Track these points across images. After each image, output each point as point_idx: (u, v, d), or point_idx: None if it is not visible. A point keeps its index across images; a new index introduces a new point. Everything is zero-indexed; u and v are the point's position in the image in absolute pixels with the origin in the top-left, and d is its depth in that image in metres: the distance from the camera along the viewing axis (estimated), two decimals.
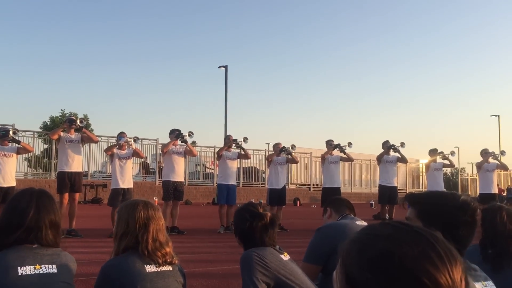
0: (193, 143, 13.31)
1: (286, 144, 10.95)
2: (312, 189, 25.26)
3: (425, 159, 15.97)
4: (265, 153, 23.83)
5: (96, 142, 11.89)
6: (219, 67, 30.92)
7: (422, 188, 29.07)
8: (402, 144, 11.73)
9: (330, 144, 11.25)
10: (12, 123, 15.26)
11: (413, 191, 26.00)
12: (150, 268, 2.27)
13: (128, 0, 65.77)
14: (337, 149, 11.29)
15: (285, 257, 2.62)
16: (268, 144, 29.82)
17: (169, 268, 2.35)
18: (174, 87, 71.84)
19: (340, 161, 11.47)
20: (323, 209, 3.51)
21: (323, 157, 11.29)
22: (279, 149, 10.75)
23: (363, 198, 25.02)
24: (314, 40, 73.30)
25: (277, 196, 10.47)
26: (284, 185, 10.77)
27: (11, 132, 8.24)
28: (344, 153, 11.34)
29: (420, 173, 31.08)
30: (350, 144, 11.42)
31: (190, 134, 9.89)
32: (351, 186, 26.53)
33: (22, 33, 61.55)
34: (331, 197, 3.40)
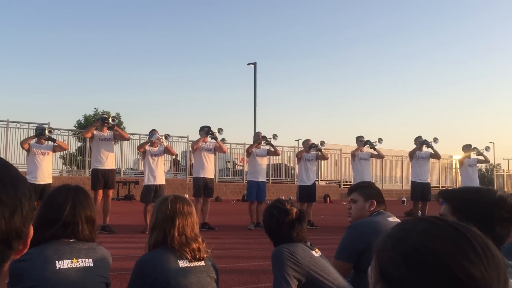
0: (223, 140, 13.39)
1: (315, 140, 10.91)
2: (342, 186, 25.05)
3: (458, 155, 15.59)
4: (294, 149, 23.76)
5: (128, 139, 12.10)
6: (248, 64, 31.04)
7: (456, 184, 28.43)
8: (435, 140, 11.48)
9: (360, 141, 11.14)
10: (47, 122, 15.71)
11: (446, 188, 25.44)
12: (183, 263, 2.31)
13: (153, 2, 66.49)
14: (367, 145, 11.18)
15: (316, 253, 2.62)
16: (298, 140, 29.74)
17: (202, 263, 2.38)
18: (204, 84, 72.40)
19: (371, 158, 11.35)
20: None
21: (353, 154, 11.19)
22: (308, 145, 10.71)
23: (395, 195, 24.66)
24: (343, 35, 72.54)
25: (307, 193, 10.44)
26: (314, 182, 10.73)
27: (47, 131, 8.48)
28: (375, 149, 11.21)
29: (454, 170, 30.39)
30: (380, 140, 11.28)
31: (220, 131, 9.95)
32: (382, 183, 26.16)
33: (58, 37, 63.15)
34: (373, 189, 3.29)
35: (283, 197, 3.19)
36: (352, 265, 2.97)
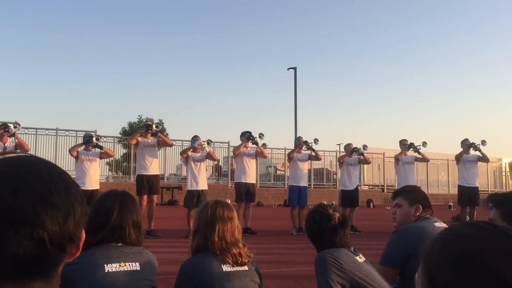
0: (264, 145, 13.44)
1: (357, 144, 10.76)
2: (385, 191, 24.56)
3: (508, 158, 15.00)
4: (336, 154, 23.52)
5: (171, 145, 12.33)
6: (288, 69, 31.04)
7: (505, 188, 27.31)
8: (483, 142, 11.09)
9: (403, 144, 10.91)
10: (94, 129, 16.24)
11: (495, 192, 24.53)
12: (226, 268, 2.33)
13: (192, 6, 67.60)
14: (411, 149, 10.93)
15: (361, 258, 2.58)
16: (339, 145, 29.39)
17: (245, 268, 2.40)
18: (245, 90, 72.84)
19: (415, 161, 11.09)
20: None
21: (396, 158, 10.97)
22: (350, 149, 10.58)
23: (441, 200, 23.95)
24: (384, 38, 71.35)
25: (350, 197, 10.31)
26: (357, 186, 10.59)
27: (94, 139, 8.78)
28: (419, 153, 10.95)
29: (503, 173, 29.22)
30: (424, 144, 11.00)
31: (261, 136, 9.99)
32: (428, 187, 25.46)
33: (103, 45, 65.25)
34: (419, 194, 3.21)
35: (325, 202, 3.17)
36: (398, 271, 2.91)
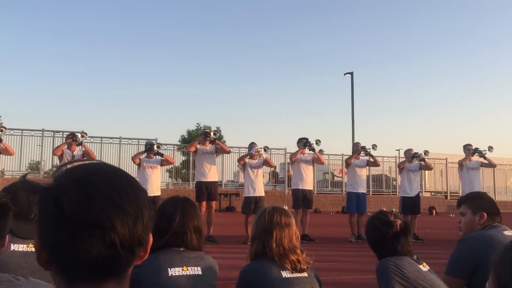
0: (321, 151, 13.32)
1: (418, 150, 10.43)
2: (449, 197, 23.59)
3: None
4: (395, 159, 22.90)
5: (229, 152, 12.47)
6: (345, 74, 30.67)
7: None
8: None
9: (468, 149, 10.45)
10: (155, 137, 16.77)
11: None
12: (286, 274, 2.33)
13: (248, 11, 68.32)
14: (476, 154, 10.45)
15: (424, 267, 2.50)
16: (399, 150, 28.64)
17: (305, 274, 2.39)
18: (301, 96, 72.66)
19: (481, 167, 10.59)
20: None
21: (460, 164, 10.52)
22: (411, 155, 10.28)
23: (509, 207, 22.69)
24: (443, 41, 68.82)
25: (411, 204, 10.00)
26: (418, 193, 10.25)
27: (155, 146, 9.08)
28: (485, 158, 10.46)
29: None
30: (490, 148, 10.49)
31: (318, 142, 9.92)
32: (495, 194, 24.19)
33: (162, 59, 67.37)
34: (484, 200, 3.06)
35: (385, 209, 3.09)
36: (465, 281, 2.78)
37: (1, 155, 8.44)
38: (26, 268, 1.83)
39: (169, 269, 2.18)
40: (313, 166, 10.63)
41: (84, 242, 0.78)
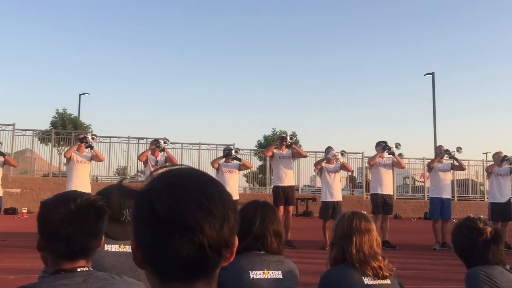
0: (400, 155, 12.87)
1: (508, 153, 9.77)
2: None
3: None
4: (482, 163, 21.61)
5: (305, 157, 12.44)
6: (425, 75, 29.50)
7: None
8: None
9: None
10: (232, 143, 17.13)
11: None
12: (368, 280, 2.28)
13: (325, 16, 67.74)
14: None
15: None
16: (486, 153, 27.00)
17: (387, 282, 2.32)
18: (379, 98, 70.81)
19: None
20: None
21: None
22: (500, 158, 9.65)
23: None
24: None
25: (501, 211, 9.37)
26: (509, 199, 9.59)
27: (233, 151, 9.28)
28: None
29: None
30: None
31: (397, 145, 9.62)
32: None
33: (239, 65, 68.73)
34: None
35: (472, 215, 2.93)
36: None
37: (93, 161, 9.02)
38: (118, 267, 1.94)
39: (250, 272, 2.21)
40: (393, 170, 10.30)
41: (175, 243, 0.82)
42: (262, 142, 36.27)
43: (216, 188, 0.88)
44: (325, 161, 9.38)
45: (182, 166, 0.93)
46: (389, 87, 66.75)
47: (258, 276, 2.22)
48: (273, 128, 37.27)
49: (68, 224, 1.44)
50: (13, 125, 18.63)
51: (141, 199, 0.87)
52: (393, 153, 9.57)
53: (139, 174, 22.55)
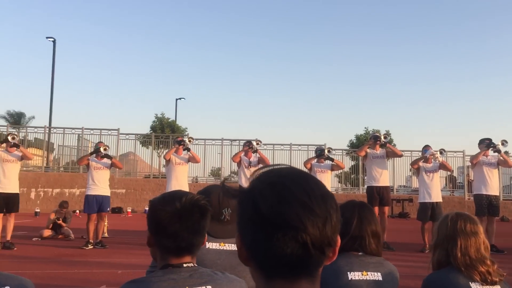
0: (506, 152, 11.93)
1: None
2: None
3: None
4: None
5: (400, 156, 12.01)
6: None
7: None
8: None
9: None
10: (324, 143, 17.01)
11: None
12: (475, 286, 2.15)
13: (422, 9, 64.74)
14: None
15: None
16: None
17: (497, 287, 2.17)
18: (482, 91, 66.24)
19: None
20: None
21: None
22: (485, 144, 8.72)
23: None
24: None
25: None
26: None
27: (326, 151, 9.24)
28: None
29: None
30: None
31: (504, 143, 8.95)
32: None
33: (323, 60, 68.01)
34: None
35: None
36: None
37: (189, 162, 9.42)
38: (219, 265, 2.01)
39: (348, 273, 2.18)
40: (498, 169, 9.58)
41: (279, 241, 0.83)
42: (354, 141, 35.61)
43: (318, 188, 0.89)
44: (422, 160, 8.98)
45: (283, 166, 0.95)
46: (489, 80, 62.18)
47: (357, 278, 2.18)
48: (365, 127, 36.42)
49: (174, 222, 1.53)
50: (118, 130, 20.06)
51: (244, 199, 0.90)
52: (498, 151, 8.91)
53: (233, 175, 23.18)
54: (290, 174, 0.91)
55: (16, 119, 37.99)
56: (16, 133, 9.76)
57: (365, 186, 9.56)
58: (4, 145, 8.65)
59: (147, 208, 17.83)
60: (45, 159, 21.64)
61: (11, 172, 8.38)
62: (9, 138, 8.46)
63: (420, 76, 66.91)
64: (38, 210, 16.52)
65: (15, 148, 8.47)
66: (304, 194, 0.86)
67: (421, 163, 8.95)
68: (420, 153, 9.75)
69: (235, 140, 20.57)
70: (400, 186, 21.66)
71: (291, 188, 0.86)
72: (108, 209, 8.99)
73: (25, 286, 1.59)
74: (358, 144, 30.56)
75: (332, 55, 68.33)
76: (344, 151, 21.29)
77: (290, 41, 68.56)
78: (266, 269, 0.87)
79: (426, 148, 9.07)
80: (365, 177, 9.74)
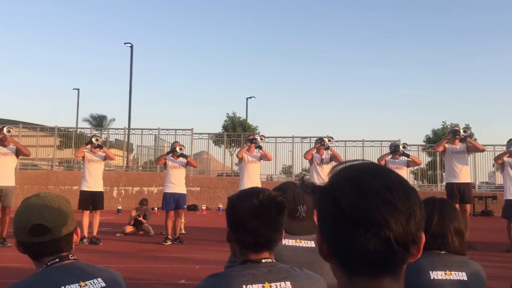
0: None
1: None
2: None
3: None
4: None
5: (482, 151, 11.38)
6: None
7: None
8: None
9: None
10: (398, 138, 16.48)
11: None
12: None
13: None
14: None
15: None
16: None
17: None
18: None
19: None
20: None
21: None
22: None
23: None
24: None
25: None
26: None
27: (401, 146, 8.97)
28: None
29: None
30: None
31: None
32: None
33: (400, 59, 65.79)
34: None
35: None
36: None
37: (261, 160, 9.51)
38: (295, 261, 2.02)
39: (430, 272, 2.10)
40: None
41: (360, 238, 0.82)
42: (431, 136, 34.23)
43: (399, 182, 0.87)
44: (507, 155, 8.45)
45: (364, 161, 0.93)
46: None
47: (440, 277, 2.09)
48: (443, 121, 34.90)
49: (252, 218, 1.55)
50: (192, 129, 20.69)
51: (324, 194, 0.89)
52: None
53: (304, 172, 23.11)
54: (370, 169, 0.89)
55: (98, 121, 40.38)
56: (99, 135, 10.28)
57: (444, 183, 9.14)
58: (88, 146, 9.22)
59: (220, 206, 18.29)
60: (125, 159, 22.82)
61: (96, 171, 8.91)
62: (93, 139, 9.00)
63: (503, 64, 62.94)
64: (120, 208, 17.45)
65: (98, 149, 8.98)
66: (386, 189, 0.84)
67: (506, 158, 8.43)
68: (504, 148, 9.18)
69: (305, 138, 20.49)
70: (482, 182, 20.54)
71: (372, 184, 0.85)
72: (185, 206, 9.30)
73: (115, 278, 1.69)
74: (435, 139, 29.35)
75: (406, 47, 66.06)
76: (420, 147, 20.52)
77: (360, 36, 67.14)
78: (348, 266, 0.87)
79: (511, 142, 8.53)
80: (444, 174, 9.31)
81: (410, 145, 18.21)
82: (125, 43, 29.39)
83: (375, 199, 0.83)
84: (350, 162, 0.93)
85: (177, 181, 9.00)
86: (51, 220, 1.58)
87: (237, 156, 9.39)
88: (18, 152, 8.53)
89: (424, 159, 21.04)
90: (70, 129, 23.73)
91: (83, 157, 8.95)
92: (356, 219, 0.83)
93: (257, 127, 30.26)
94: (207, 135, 21.69)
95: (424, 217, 0.88)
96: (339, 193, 0.85)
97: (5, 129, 8.32)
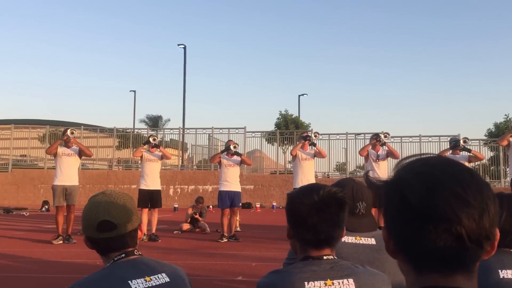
0: None
1: None
2: None
3: None
4: None
5: None
6: None
7: None
8: None
9: None
10: (457, 133, 15.88)
11: None
12: None
13: None
14: None
15: None
16: None
17: None
18: None
19: None
20: None
21: None
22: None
23: None
24: None
25: None
26: None
27: (461, 141, 8.62)
28: None
29: None
30: None
31: None
32: None
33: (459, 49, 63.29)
34: None
35: None
36: None
37: (315, 158, 9.45)
38: (355, 258, 1.99)
39: (500, 271, 2.01)
40: None
41: (430, 234, 0.79)
42: (493, 130, 32.69)
43: (470, 176, 0.83)
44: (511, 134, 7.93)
45: (431, 155, 0.91)
46: None
47: (510, 276, 1.99)
48: (505, 115, 33.26)
49: (313, 214, 1.54)
50: (244, 128, 20.85)
51: (391, 189, 0.87)
52: None
53: (358, 169, 22.72)
54: (439, 163, 0.86)
55: (154, 122, 41.55)
56: (155, 135, 10.55)
57: (508, 179, 8.70)
58: (146, 146, 9.49)
59: (274, 204, 18.33)
60: (180, 158, 23.35)
61: (153, 170, 9.16)
62: (151, 139, 9.26)
63: None
64: (177, 206, 17.89)
65: (156, 148, 9.24)
66: (456, 183, 0.81)
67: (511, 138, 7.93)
68: None
69: (359, 134, 20.15)
70: None
71: (441, 178, 0.82)
72: (240, 204, 9.38)
73: (178, 274, 1.73)
74: (497, 133, 28.01)
75: (464, 38, 63.47)
76: (481, 141, 19.67)
77: (416, 30, 65.17)
78: (417, 263, 0.84)
79: None
80: (508, 169, 8.85)
81: (471, 140, 17.48)
82: (178, 45, 30.07)
83: (445, 194, 0.80)
84: (416, 156, 0.91)
85: (232, 179, 9.09)
86: (117, 216, 1.64)
87: (291, 154, 9.37)
88: (81, 153, 8.79)
89: (486, 154, 20.16)
90: (128, 130, 24.60)
91: (141, 157, 9.23)
92: (425, 214, 0.80)
93: (310, 124, 30.10)
94: (260, 133, 21.79)
95: (498, 212, 0.84)
96: (406, 188, 0.83)
97: (68, 131, 8.62)
